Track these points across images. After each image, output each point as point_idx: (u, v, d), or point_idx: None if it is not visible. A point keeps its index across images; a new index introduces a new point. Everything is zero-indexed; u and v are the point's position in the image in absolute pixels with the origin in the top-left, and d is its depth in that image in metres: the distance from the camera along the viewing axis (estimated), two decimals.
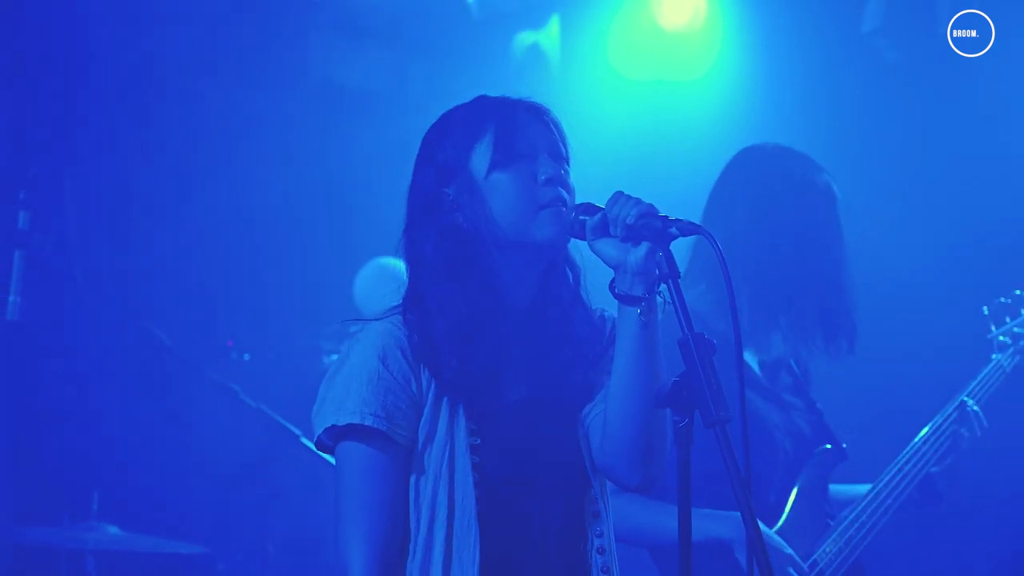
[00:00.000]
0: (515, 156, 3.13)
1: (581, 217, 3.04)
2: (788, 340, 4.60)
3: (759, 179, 4.64)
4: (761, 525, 4.18)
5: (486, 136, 3.15)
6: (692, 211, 3.06)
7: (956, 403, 4.78)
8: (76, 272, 5.93)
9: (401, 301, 3.19)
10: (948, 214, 6.70)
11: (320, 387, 3.18)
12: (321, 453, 3.22)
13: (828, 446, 4.63)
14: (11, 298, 5.76)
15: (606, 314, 3.27)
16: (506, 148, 3.14)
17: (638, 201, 2.94)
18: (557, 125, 3.23)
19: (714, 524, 4.18)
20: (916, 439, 4.73)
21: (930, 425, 4.76)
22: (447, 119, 3.25)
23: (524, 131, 3.16)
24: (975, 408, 4.78)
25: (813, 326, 4.61)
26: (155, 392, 6.95)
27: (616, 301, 3.02)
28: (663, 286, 2.91)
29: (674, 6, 7.24)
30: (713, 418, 2.70)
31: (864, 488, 4.68)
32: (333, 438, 3.11)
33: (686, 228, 2.88)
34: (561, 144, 3.21)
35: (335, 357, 6.47)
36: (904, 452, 4.71)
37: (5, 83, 6.86)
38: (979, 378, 4.91)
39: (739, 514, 4.12)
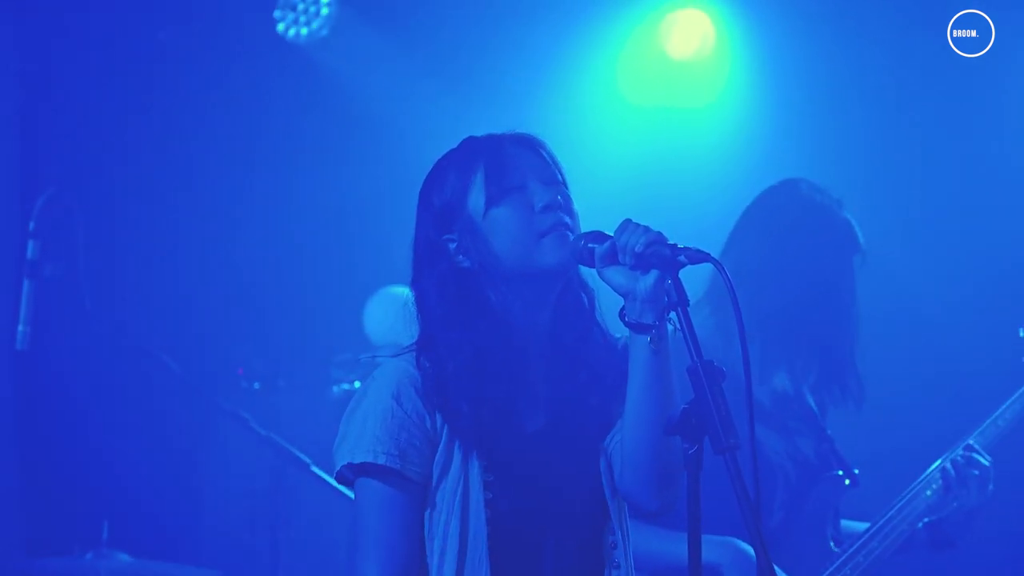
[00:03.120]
0: (508, 189, 3.14)
1: (590, 245, 3.04)
2: (793, 380, 4.62)
3: (778, 219, 4.65)
4: (746, 546, 4.21)
5: (478, 176, 3.16)
6: (701, 238, 3.05)
7: (961, 446, 4.76)
8: (85, 301, 5.93)
9: (415, 342, 3.21)
10: (966, 235, 6.69)
11: (341, 422, 3.21)
12: (341, 487, 3.25)
13: (839, 472, 4.64)
14: (20, 328, 5.77)
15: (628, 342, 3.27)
16: (498, 183, 3.14)
17: (647, 229, 2.94)
18: (547, 151, 3.24)
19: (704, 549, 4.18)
20: (926, 472, 4.73)
21: (939, 460, 4.75)
22: (439, 166, 3.26)
23: (513, 163, 3.17)
24: (979, 458, 4.73)
25: (814, 371, 4.64)
26: (165, 420, 6.96)
27: (626, 329, 3.02)
28: (673, 314, 2.91)
29: (682, 36, 7.26)
30: (723, 445, 2.70)
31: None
32: (352, 474, 3.15)
33: (695, 256, 2.88)
34: (555, 169, 3.21)
35: (345, 386, 6.54)
36: (913, 484, 4.71)
37: (14, 112, 6.88)
38: (1005, 406, 4.88)
39: (728, 539, 4.20)
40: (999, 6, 6.21)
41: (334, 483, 3.27)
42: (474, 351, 3.12)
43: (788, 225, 4.64)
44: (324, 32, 7.24)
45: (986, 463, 4.70)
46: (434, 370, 3.13)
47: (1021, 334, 5.11)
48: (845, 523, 4.73)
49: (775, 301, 4.55)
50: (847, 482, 4.65)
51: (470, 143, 3.26)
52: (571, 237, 3.11)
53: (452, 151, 3.27)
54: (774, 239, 4.63)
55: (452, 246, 3.17)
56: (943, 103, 6.75)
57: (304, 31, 7.23)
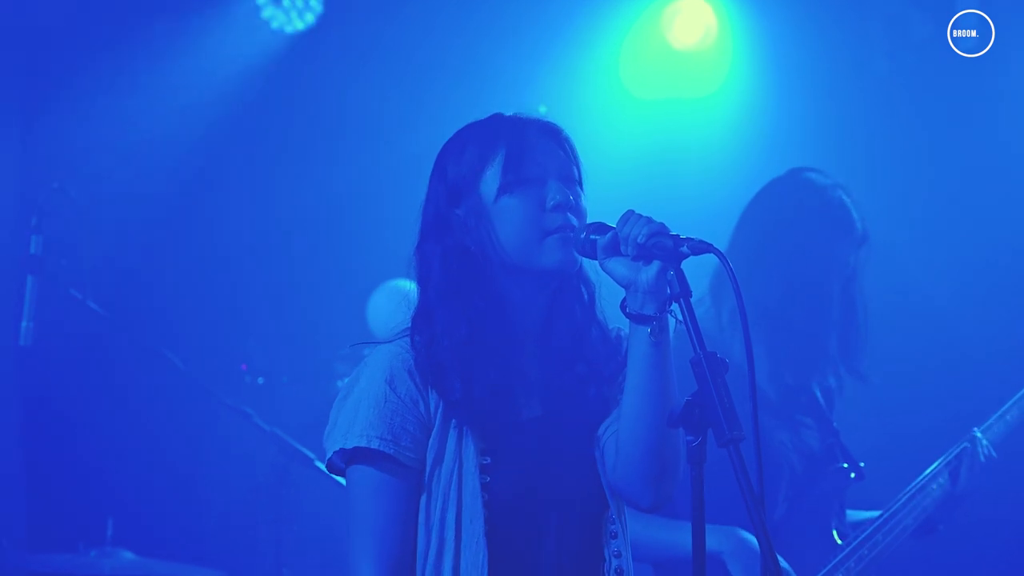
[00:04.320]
0: (523, 181, 3.12)
1: (592, 236, 3.03)
2: (800, 372, 4.61)
3: (771, 209, 4.65)
4: (748, 535, 4.20)
5: (497, 158, 3.15)
6: (704, 229, 3.03)
7: (968, 438, 4.76)
8: (89, 297, 5.91)
9: (412, 315, 3.19)
10: (973, 226, 6.67)
11: (331, 411, 3.18)
12: (333, 475, 3.22)
13: (844, 465, 4.62)
14: (24, 324, 5.75)
15: (623, 333, 3.23)
16: (515, 172, 3.13)
17: (649, 220, 2.93)
18: (570, 146, 3.22)
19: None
20: (931, 467, 4.72)
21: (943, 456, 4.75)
22: (461, 137, 3.24)
23: (534, 154, 3.15)
24: (982, 440, 4.74)
25: (824, 360, 4.63)
26: (169, 416, 6.95)
27: (627, 320, 3.00)
28: (675, 305, 2.89)
29: (685, 26, 7.25)
30: (726, 437, 2.68)
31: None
32: (343, 461, 3.12)
33: (697, 247, 2.86)
34: (574, 166, 3.20)
35: (348, 380, 6.51)
36: (919, 477, 4.70)
37: (17, 108, 6.88)
38: (1012, 401, 4.87)
39: (730, 527, 4.19)
40: (999, 6, 6.20)
41: (337, 477, 3.24)
42: (470, 328, 3.10)
43: (779, 215, 4.64)
44: (313, 20, 7.26)
45: (993, 455, 4.70)
46: (428, 347, 3.11)
47: None
48: (852, 512, 4.72)
49: (770, 292, 4.54)
50: (852, 475, 4.64)
51: (496, 121, 3.23)
52: (573, 240, 3.10)
53: (476, 124, 3.25)
54: (766, 229, 4.62)
55: (458, 222, 3.16)
56: (946, 91, 6.74)
57: (296, 21, 7.24)
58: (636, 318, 2.96)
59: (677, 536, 4.17)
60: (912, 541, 4.72)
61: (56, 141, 7.00)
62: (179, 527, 6.90)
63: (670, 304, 2.92)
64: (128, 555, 5.85)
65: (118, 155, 7.12)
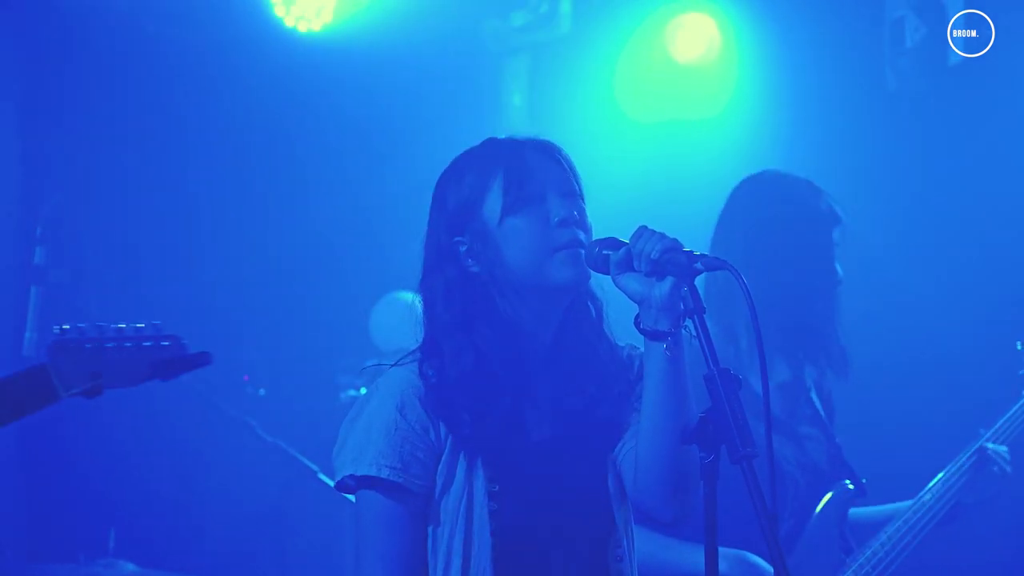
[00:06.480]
0: (526, 200, 3.13)
1: (605, 252, 3.03)
2: (792, 365, 4.61)
3: (754, 209, 4.65)
4: (758, 560, 4.19)
5: (496, 181, 3.15)
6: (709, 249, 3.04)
7: (975, 448, 4.75)
8: (92, 308, 5.91)
9: (420, 347, 3.19)
10: (977, 247, 6.65)
11: (341, 427, 3.19)
12: (341, 492, 3.22)
13: (847, 481, 4.62)
14: (27, 334, 5.75)
15: (635, 352, 3.25)
16: (517, 192, 3.13)
17: (662, 236, 2.93)
18: (568, 161, 3.23)
19: None
20: (933, 481, 4.72)
21: (947, 468, 4.74)
22: (456, 165, 3.25)
23: (534, 173, 3.16)
24: (998, 449, 4.75)
25: (814, 351, 4.63)
26: (171, 427, 6.94)
27: (642, 336, 3.00)
28: (688, 321, 2.89)
29: (687, 39, 7.21)
30: (740, 454, 2.68)
31: (879, 508, 4.70)
32: (353, 483, 3.13)
33: (711, 263, 2.87)
34: (574, 181, 3.20)
35: (351, 392, 6.51)
36: (924, 491, 4.69)
37: (20, 119, 6.87)
38: (1007, 416, 4.87)
39: (738, 552, 4.18)
40: (999, 6, 6.20)
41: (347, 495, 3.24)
42: (477, 356, 3.11)
43: (768, 219, 4.63)
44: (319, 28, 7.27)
45: (1007, 471, 4.71)
46: (436, 378, 3.12)
47: (1019, 347, 5.07)
48: (853, 510, 4.71)
49: (764, 293, 4.53)
50: (851, 487, 4.64)
51: (491, 145, 3.24)
52: (583, 255, 3.10)
53: (471, 151, 3.25)
54: (756, 234, 4.61)
55: (463, 249, 3.16)
56: (951, 102, 6.69)
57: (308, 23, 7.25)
58: (650, 334, 2.97)
59: (682, 558, 4.16)
60: (930, 555, 4.73)
61: (59, 151, 6.99)
62: (181, 538, 6.89)
63: (684, 320, 2.92)
64: (130, 566, 5.84)
65: (122, 165, 7.11)
